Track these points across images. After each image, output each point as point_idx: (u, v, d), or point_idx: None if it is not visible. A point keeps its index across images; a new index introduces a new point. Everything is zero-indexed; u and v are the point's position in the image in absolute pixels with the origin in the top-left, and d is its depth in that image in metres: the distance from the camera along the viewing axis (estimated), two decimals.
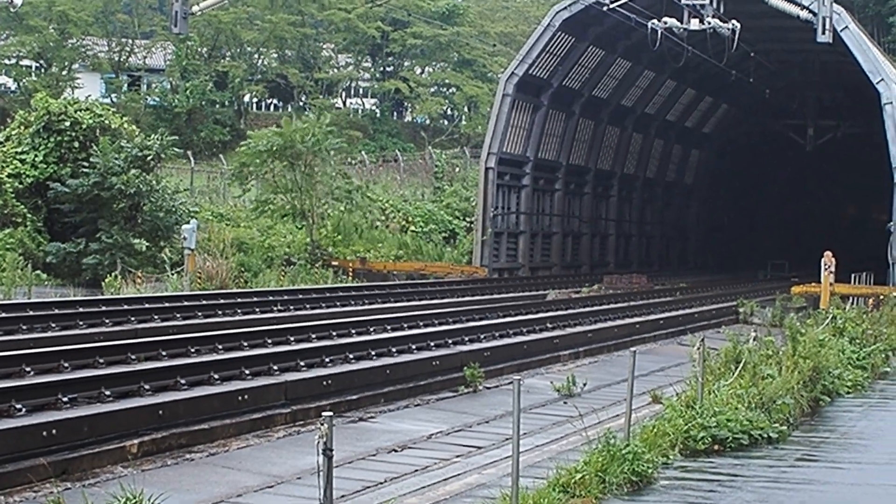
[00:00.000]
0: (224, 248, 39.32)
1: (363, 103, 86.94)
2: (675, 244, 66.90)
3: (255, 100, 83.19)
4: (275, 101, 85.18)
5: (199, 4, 33.58)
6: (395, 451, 15.25)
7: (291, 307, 30.07)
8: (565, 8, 46.69)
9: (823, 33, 33.76)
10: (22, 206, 38.83)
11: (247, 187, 47.01)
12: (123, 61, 75.65)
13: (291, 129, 43.39)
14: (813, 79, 60.75)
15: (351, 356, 20.22)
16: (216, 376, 17.19)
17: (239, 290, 34.15)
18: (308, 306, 30.71)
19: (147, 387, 15.95)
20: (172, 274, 36.10)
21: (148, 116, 68.37)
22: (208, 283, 35.76)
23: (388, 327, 25.36)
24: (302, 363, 19.00)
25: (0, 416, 13.86)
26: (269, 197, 45.23)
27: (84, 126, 39.93)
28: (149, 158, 39.61)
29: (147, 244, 38.61)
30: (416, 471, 14.00)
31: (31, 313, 24.22)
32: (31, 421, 13.60)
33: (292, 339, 22.33)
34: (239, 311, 28.28)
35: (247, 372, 17.72)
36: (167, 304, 27.46)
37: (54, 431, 13.35)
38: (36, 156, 39.89)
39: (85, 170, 38.47)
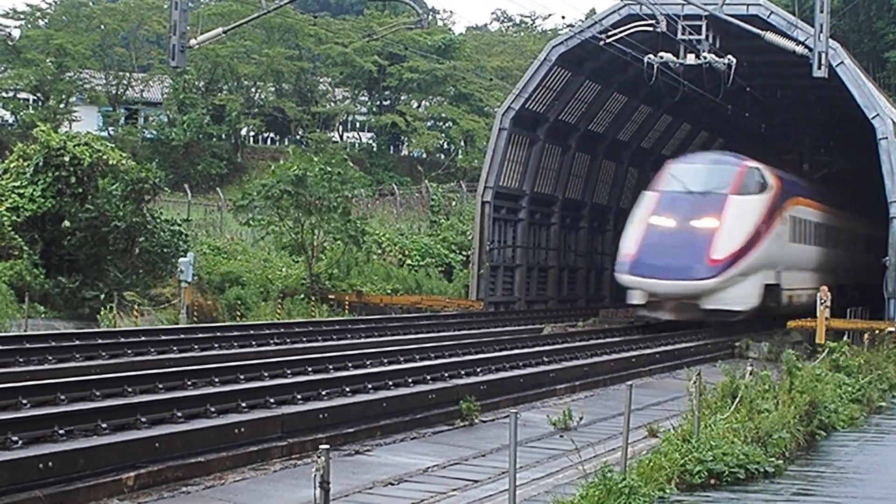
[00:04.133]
0: (210, 279, 39.28)
1: (360, 137, 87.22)
2: None
3: (251, 133, 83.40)
4: (272, 134, 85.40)
5: (196, 38, 33.66)
6: (392, 484, 15.23)
7: (288, 340, 30.05)
8: (562, 42, 46.81)
9: (819, 68, 33.87)
10: (19, 240, 38.71)
11: (249, 216, 46.49)
12: (121, 94, 75.83)
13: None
14: (809, 114, 60.91)
15: (347, 389, 20.22)
16: (213, 409, 17.19)
17: (235, 324, 34.11)
18: (304, 339, 30.68)
19: (143, 419, 15.95)
20: (169, 307, 36.06)
21: (145, 149, 68.48)
22: (201, 317, 35.72)
23: (385, 360, 25.32)
24: (298, 396, 18.99)
25: None
26: (274, 220, 44.84)
27: (84, 163, 39.71)
28: (144, 191, 39.54)
29: (143, 277, 38.56)
30: None
31: (28, 346, 24.22)
32: (27, 453, 13.59)
33: (289, 371, 22.32)
34: (235, 344, 28.27)
35: (243, 405, 17.71)
36: (163, 337, 27.45)
37: (50, 464, 13.34)
38: (34, 190, 39.72)
39: (86, 205, 38.46)
